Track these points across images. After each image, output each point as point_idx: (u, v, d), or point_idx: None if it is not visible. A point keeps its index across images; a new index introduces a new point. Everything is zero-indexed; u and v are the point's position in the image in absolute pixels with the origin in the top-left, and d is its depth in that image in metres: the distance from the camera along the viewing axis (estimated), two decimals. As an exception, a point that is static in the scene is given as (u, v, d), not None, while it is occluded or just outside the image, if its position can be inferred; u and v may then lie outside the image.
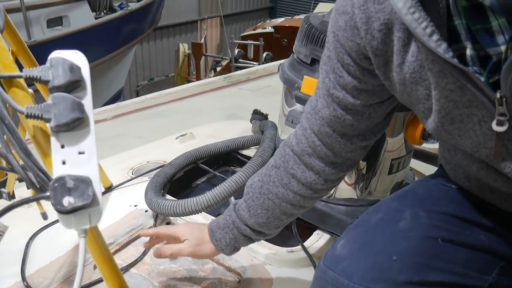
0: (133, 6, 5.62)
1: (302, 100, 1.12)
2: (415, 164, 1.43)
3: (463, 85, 0.55)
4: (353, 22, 0.63)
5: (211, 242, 0.93)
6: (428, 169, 1.42)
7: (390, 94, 0.71)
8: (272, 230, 0.91)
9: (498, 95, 0.53)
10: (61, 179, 0.50)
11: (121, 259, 1.14)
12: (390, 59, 0.63)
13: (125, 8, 5.49)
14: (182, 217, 1.27)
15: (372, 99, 0.72)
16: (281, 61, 1.30)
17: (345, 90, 0.71)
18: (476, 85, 0.54)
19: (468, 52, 0.55)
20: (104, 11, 5.61)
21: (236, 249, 0.95)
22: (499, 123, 0.54)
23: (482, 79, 0.54)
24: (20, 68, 0.64)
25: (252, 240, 0.93)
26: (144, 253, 1.16)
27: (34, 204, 0.98)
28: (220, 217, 0.94)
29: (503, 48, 0.51)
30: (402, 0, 0.54)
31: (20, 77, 0.56)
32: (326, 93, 0.73)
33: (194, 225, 1.00)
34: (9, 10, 3.86)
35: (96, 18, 5.27)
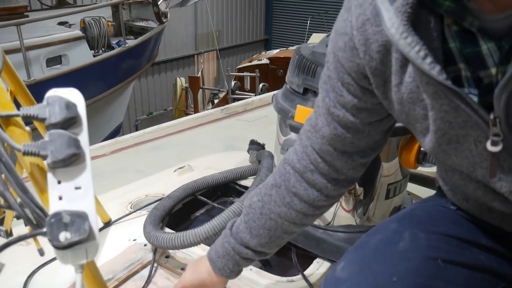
0: (131, 43, 5.72)
1: (296, 129, 1.13)
2: (412, 188, 1.43)
3: (457, 106, 0.56)
4: (352, 43, 0.65)
5: (214, 273, 0.91)
6: (426, 193, 1.42)
7: (388, 112, 0.72)
8: (273, 249, 0.91)
9: (491, 116, 0.54)
10: (57, 215, 0.51)
11: (120, 295, 1.13)
12: (388, 79, 0.64)
13: (123, 45, 5.59)
14: (181, 250, 1.26)
15: (372, 117, 0.73)
16: (277, 91, 1.32)
17: (345, 109, 0.72)
18: (470, 106, 0.55)
19: (463, 73, 0.56)
20: (102, 48, 5.70)
21: (240, 271, 0.94)
22: (493, 143, 0.56)
23: (476, 100, 0.55)
24: (18, 107, 0.66)
25: (253, 261, 0.92)
26: (143, 288, 1.15)
27: (33, 242, 0.97)
28: (217, 245, 0.92)
29: (493, 71, 0.53)
30: (394, 26, 0.55)
31: (18, 115, 0.57)
32: (326, 112, 0.74)
33: (193, 271, 0.97)
34: (9, 51, 3.95)
35: (94, 56, 5.36)
